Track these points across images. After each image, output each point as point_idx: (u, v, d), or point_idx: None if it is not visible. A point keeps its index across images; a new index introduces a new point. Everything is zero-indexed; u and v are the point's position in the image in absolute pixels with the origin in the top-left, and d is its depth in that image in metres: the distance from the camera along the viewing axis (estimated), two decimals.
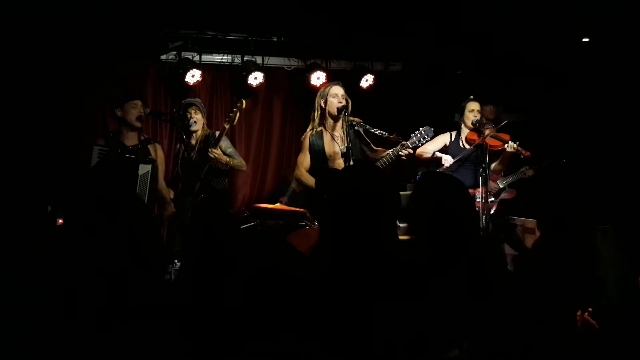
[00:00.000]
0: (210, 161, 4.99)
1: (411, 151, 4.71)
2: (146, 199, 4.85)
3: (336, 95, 4.76)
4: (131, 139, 4.95)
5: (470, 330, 1.96)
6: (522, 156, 5.36)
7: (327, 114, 4.80)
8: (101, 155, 4.73)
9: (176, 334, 1.82)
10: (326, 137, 4.82)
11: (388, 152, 4.69)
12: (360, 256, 1.92)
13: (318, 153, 4.82)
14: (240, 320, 1.84)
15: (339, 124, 4.80)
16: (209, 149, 4.98)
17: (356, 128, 4.73)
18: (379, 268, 1.90)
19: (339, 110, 4.71)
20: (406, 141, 4.66)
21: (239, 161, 5.30)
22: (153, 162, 4.92)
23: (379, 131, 4.69)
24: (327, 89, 4.84)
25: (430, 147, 5.41)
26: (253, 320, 1.85)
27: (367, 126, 4.73)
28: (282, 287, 1.93)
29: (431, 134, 4.77)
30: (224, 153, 5.17)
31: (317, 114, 4.85)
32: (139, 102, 4.94)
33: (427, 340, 1.86)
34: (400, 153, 4.62)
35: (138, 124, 4.92)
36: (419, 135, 4.72)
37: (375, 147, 4.86)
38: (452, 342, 1.94)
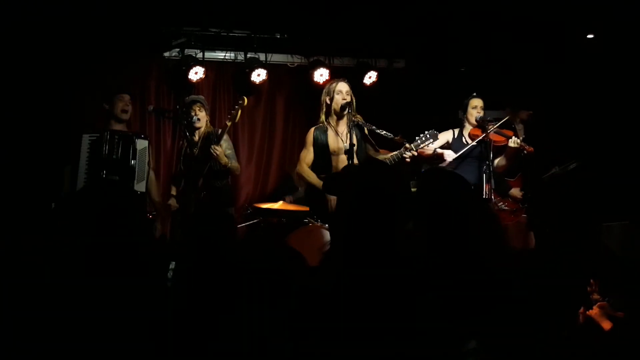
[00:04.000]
0: (211, 158, 5.00)
1: (415, 154, 4.72)
2: (146, 174, 4.89)
3: (340, 92, 4.76)
4: None
5: (482, 324, 1.94)
6: (525, 151, 5.35)
7: (332, 110, 4.81)
8: (92, 141, 4.74)
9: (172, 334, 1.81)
10: (330, 132, 4.82)
11: (393, 153, 4.70)
12: (376, 262, 1.89)
13: (322, 148, 4.82)
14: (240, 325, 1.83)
15: (344, 120, 4.80)
16: (212, 146, 4.99)
17: (361, 125, 4.74)
18: (394, 270, 1.88)
19: (343, 106, 4.71)
20: (410, 143, 4.68)
21: (236, 165, 5.30)
22: (148, 139, 5.00)
23: (385, 132, 4.71)
24: (332, 85, 4.85)
25: (432, 144, 5.40)
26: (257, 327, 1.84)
27: (373, 127, 4.75)
28: (292, 295, 1.90)
29: (436, 138, 4.82)
30: (224, 154, 5.18)
31: (322, 110, 4.86)
32: (126, 96, 5.04)
33: (443, 335, 1.84)
34: (404, 155, 4.65)
35: (124, 116, 5.00)
36: (423, 138, 4.76)
37: (378, 148, 4.86)
38: (469, 334, 1.92)
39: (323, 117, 4.85)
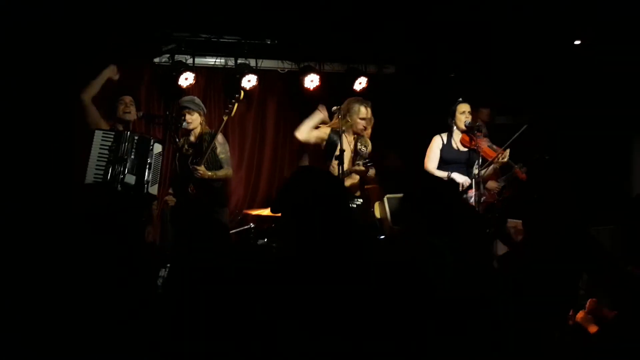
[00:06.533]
0: (196, 174, 5.00)
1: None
2: (158, 179, 4.95)
3: (364, 120, 5.07)
4: None
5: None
6: (518, 177, 5.40)
7: (348, 126, 5.07)
8: (107, 139, 4.72)
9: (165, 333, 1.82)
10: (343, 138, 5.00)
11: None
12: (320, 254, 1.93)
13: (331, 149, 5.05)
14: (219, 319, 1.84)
15: (352, 134, 5.08)
16: (194, 167, 4.99)
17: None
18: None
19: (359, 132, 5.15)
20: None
21: (224, 172, 5.26)
22: (163, 144, 5.03)
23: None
24: (357, 106, 5.08)
25: (433, 163, 5.45)
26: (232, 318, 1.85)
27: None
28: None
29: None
30: (217, 157, 5.18)
31: (340, 116, 4.97)
32: (126, 98, 5.05)
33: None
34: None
35: (127, 117, 5.00)
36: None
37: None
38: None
39: (341, 123, 4.92)
